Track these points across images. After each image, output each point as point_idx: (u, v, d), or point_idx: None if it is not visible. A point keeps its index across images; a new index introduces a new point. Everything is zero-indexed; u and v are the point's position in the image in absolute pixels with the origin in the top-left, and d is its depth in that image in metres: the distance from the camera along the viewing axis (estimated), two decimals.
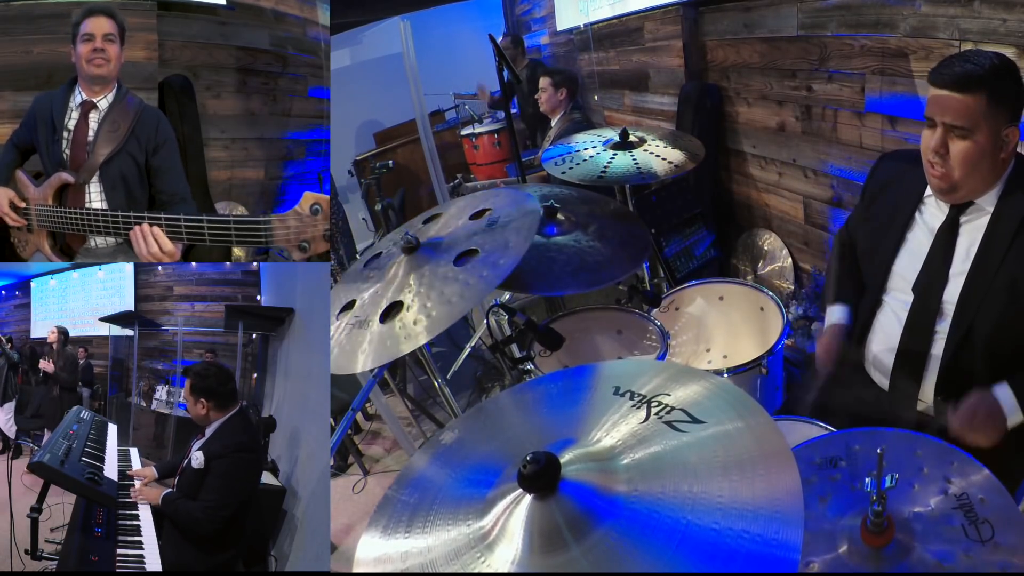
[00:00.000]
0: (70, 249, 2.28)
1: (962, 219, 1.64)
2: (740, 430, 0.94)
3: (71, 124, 2.20)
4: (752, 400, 1.00)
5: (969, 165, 1.54)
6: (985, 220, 1.61)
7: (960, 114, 1.50)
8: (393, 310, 1.56)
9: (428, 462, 1.17)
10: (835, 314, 1.95)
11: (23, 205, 2.19)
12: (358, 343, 1.53)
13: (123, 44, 2.21)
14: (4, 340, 4.41)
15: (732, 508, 0.84)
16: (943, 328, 1.66)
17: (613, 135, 2.73)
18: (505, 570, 0.90)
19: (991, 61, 1.49)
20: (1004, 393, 1.53)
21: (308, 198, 1.71)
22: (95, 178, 2.19)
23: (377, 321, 1.54)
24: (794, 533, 0.80)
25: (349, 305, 1.68)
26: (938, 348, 1.67)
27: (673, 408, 1.00)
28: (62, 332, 4.34)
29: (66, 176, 2.16)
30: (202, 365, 2.31)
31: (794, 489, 0.84)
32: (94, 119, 2.19)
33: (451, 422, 1.26)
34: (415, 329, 1.47)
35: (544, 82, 4.04)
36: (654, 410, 1.01)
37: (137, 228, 1.88)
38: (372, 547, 1.04)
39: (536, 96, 4.15)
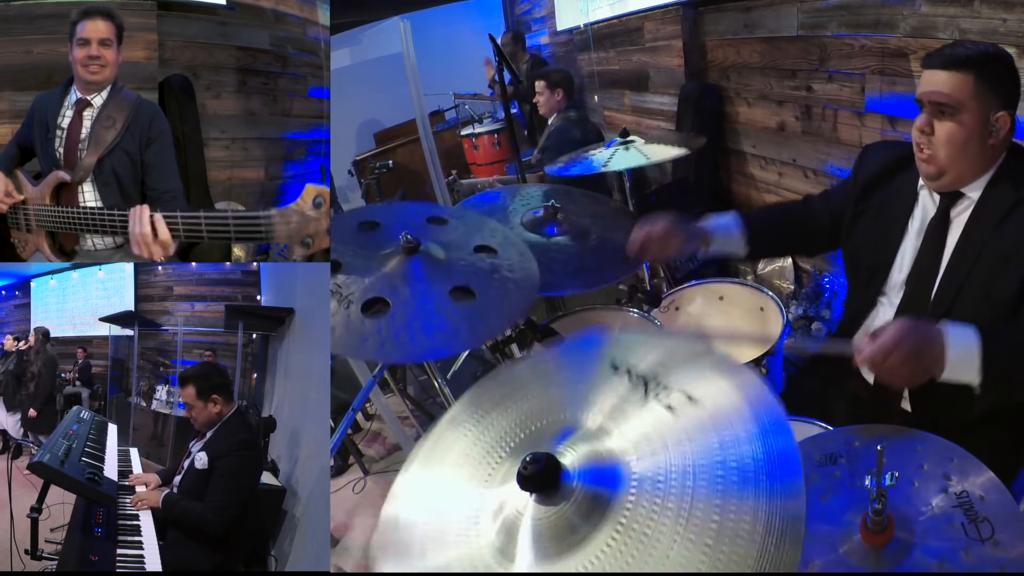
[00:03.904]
0: (67, 249, 2.28)
1: (952, 212, 1.60)
2: (736, 404, 0.93)
3: (64, 123, 2.18)
4: (751, 375, 0.98)
5: (954, 147, 1.51)
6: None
7: (946, 91, 1.49)
8: (376, 306, 1.53)
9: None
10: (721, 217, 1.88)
11: (20, 197, 2.18)
12: (330, 314, 1.51)
13: (120, 45, 2.18)
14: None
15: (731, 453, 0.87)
16: None
17: (615, 138, 2.72)
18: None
19: (983, 46, 1.51)
20: (964, 332, 1.32)
21: (310, 191, 1.64)
22: (89, 177, 2.17)
23: (358, 308, 1.52)
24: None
25: (334, 267, 1.64)
26: None
27: (672, 389, 0.98)
28: (42, 332, 4.34)
29: (62, 175, 2.14)
30: (199, 366, 2.32)
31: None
32: (88, 116, 2.17)
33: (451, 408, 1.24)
34: (396, 344, 1.45)
35: (539, 85, 4.02)
36: (651, 390, 0.99)
37: (135, 208, 1.81)
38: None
39: (534, 100, 4.14)
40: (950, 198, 1.60)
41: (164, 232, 1.79)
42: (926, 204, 1.67)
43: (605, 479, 0.91)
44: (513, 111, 4.17)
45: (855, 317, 1.81)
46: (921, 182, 1.67)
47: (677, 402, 0.96)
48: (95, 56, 2.12)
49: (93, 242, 2.25)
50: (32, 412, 4.15)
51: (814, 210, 1.94)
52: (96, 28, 2.12)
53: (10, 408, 4.25)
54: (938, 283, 1.59)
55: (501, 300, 1.56)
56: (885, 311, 1.75)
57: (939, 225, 1.62)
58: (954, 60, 1.48)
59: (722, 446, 0.88)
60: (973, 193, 1.57)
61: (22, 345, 4.35)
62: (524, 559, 0.91)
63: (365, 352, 1.46)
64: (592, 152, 2.66)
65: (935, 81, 1.51)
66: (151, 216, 1.79)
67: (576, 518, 0.89)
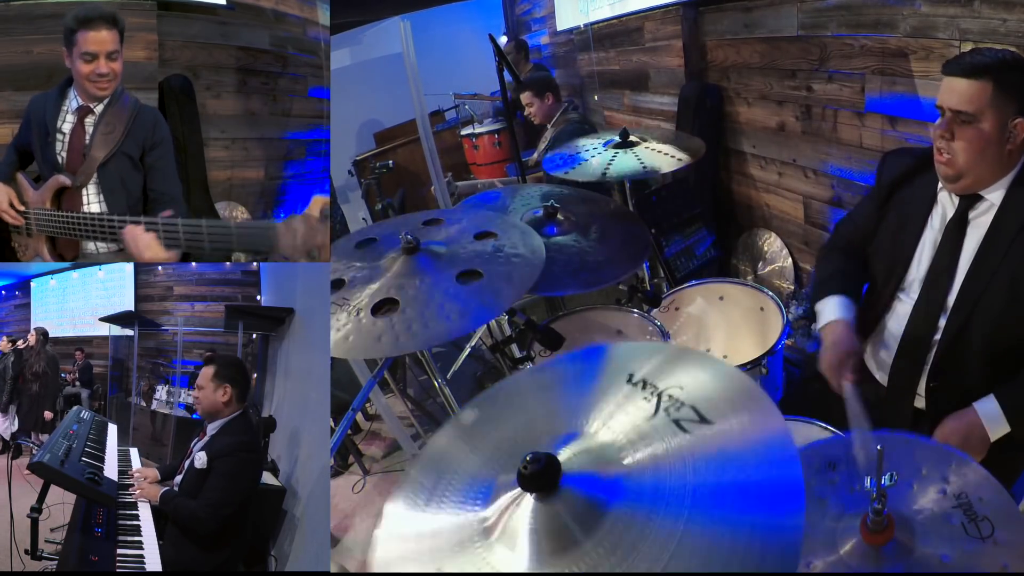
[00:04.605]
0: (68, 257, 2.26)
1: (971, 214, 1.65)
2: (745, 426, 0.93)
3: (66, 128, 2.13)
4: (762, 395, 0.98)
5: (973, 152, 1.56)
6: (992, 215, 1.61)
7: (965, 99, 1.53)
8: (385, 306, 1.55)
9: (449, 443, 1.16)
10: (836, 308, 1.80)
11: (23, 208, 2.17)
12: (338, 324, 1.52)
13: (123, 46, 2.08)
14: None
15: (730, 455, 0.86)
16: (944, 324, 1.66)
17: (613, 137, 2.70)
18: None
19: (1001, 54, 1.54)
20: (987, 407, 1.56)
21: (317, 202, 1.61)
22: (93, 181, 2.14)
23: (367, 312, 1.54)
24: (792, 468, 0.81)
25: (337, 284, 1.66)
26: (937, 343, 1.68)
27: (683, 404, 0.98)
28: (41, 332, 4.35)
29: (63, 179, 2.11)
30: (230, 356, 2.34)
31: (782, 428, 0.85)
32: (90, 123, 2.13)
33: (472, 401, 1.24)
34: (408, 334, 1.47)
35: (527, 97, 3.94)
36: (663, 405, 0.99)
37: (128, 228, 1.80)
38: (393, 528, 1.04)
39: (526, 114, 4.07)
40: (968, 200, 1.65)
41: (160, 254, 1.81)
42: (945, 206, 1.72)
43: (603, 487, 0.90)
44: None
45: (874, 315, 1.85)
46: (940, 184, 1.71)
47: (688, 420, 0.95)
48: (104, 73, 2.02)
49: (96, 245, 2.23)
50: (48, 414, 4.16)
51: (855, 237, 1.96)
52: (101, 40, 1.98)
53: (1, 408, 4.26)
54: (961, 284, 1.64)
55: (509, 274, 1.58)
56: (903, 308, 1.78)
57: (957, 226, 1.66)
58: (973, 68, 1.53)
59: (727, 470, 0.87)
60: (992, 196, 1.61)
61: (21, 344, 4.35)
62: (509, 550, 0.91)
63: (381, 349, 1.47)
64: (589, 151, 2.65)
65: (955, 89, 1.55)
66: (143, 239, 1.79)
67: (571, 521, 0.88)
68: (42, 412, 4.18)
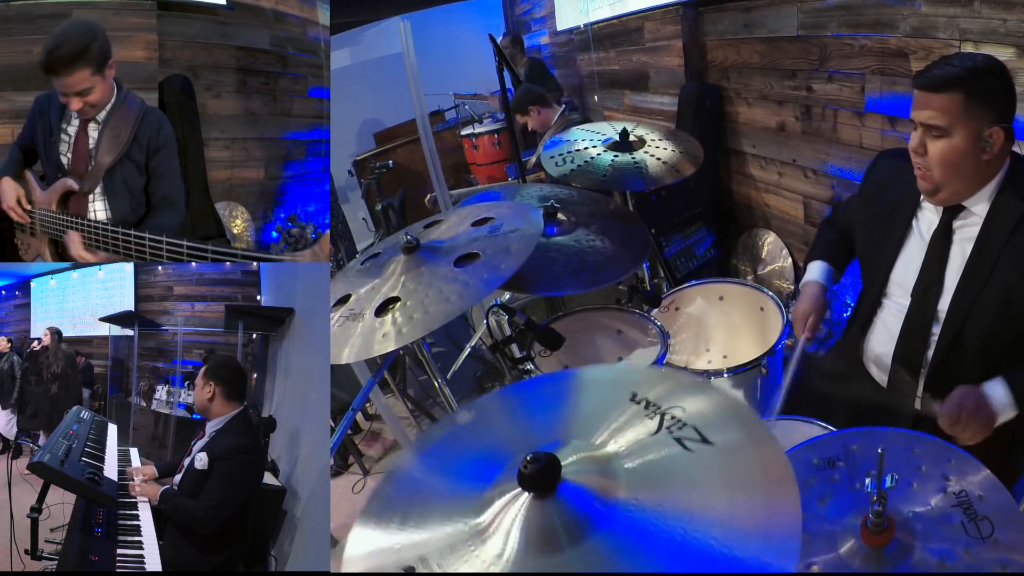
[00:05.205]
0: (70, 258, 2.26)
1: (955, 224, 1.64)
2: (747, 454, 0.92)
3: (71, 129, 2.15)
4: (762, 425, 0.98)
5: (947, 165, 1.54)
6: (978, 225, 1.60)
7: (935, 113, 1.51)
8: (388, 306, 1.55)
9: (440, 441, 1.17)
10: (813, 271, 2.03)
11: (29, 207, 2.17)
12: (348, 335, 1.53)
13: (108, 61, 2.03)
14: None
15: (730, 526, 0.84)
16: (938, 332, 1.67)
17: (611, 133, 2.69)
18: (496, 564, 0.90)
19: (972, 62, 1.50)
20: (996, 389, 1.52)
21: (327, 239, 1.66)
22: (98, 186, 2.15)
23: (371, 314, 1.54)
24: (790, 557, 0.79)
25: (343, 300, 1.67)
26: (933, 352, 1.68)
27: (685, 424, 0.98)
28: (55, 332, 4.35)
29: (71, 183, 2.12)
30: (224, 356, 2.34)
31: (793, 516, 0.82)
32: (94, 128, 2.13)
33: (470, 403, 1.25)
34: (410, 324, 1.47)
35: (518, 119, 3.91)
36: (666, 423, 0.99)
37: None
38: (365, 537, 1.04)
39: (529, 130, 4.06)
40: (952, 211, 1.64)
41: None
42: (929, 214, 1.71)
43: (598, 509, 0.90)
44: None
45: (865, 315, 1.86)
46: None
47: (690, 440, 0.95)
48: (78, 109, 2.04)
49: None
50: None
51: (842, 220, 2.04)
52: (67, 84, 1.96)
53: (4, 407, 4.25)
54: (952, 294, 1.63)
55: (507, 247, 1.59)
56: (889, 311, 1.79)
57: (942, 238, 1.66)
58: (942, 81, 1.49)
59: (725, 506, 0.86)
60: (976, 206, 1.60)
61: (36, 347, 4.35)
62: (497, 544, 0.92)
63: (385, 344, 1.47)
64: (585, 143, 2.63)
65: (925, 103, 1.53)
66: None
67: (559, 526, 0.89)
68: (55, 412, 4.17)
